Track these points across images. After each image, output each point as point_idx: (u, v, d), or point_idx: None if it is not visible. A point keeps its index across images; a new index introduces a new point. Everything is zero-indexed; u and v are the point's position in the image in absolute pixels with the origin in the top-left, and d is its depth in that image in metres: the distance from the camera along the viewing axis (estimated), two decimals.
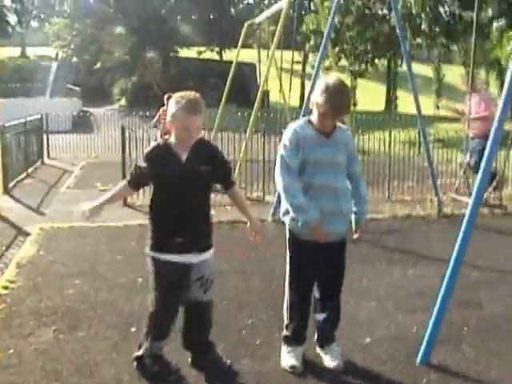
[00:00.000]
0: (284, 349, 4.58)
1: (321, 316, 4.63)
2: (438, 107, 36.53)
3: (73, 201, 10.69)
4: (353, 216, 4.49)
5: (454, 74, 45.58)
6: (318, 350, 4.66)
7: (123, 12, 44.05)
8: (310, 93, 4.37)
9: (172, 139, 4.12)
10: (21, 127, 13.50)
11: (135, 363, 4.31)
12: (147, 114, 19.07)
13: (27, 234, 8.40)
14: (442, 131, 15.42)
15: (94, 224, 8.33)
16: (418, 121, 10.24)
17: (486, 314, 5.65)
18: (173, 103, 4.00)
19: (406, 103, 37.14)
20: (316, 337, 4.69)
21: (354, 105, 37.48)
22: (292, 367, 4.41)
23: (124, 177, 8.63)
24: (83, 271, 6.70)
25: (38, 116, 15.98)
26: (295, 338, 4.55)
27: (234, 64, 15.77)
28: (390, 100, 42.35)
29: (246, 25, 16.26)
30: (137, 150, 10.34)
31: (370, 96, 44.30)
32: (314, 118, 4.33)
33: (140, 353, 4.29)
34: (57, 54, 50.90)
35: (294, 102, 27.64)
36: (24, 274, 6.59)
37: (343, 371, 4.44)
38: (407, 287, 6.36)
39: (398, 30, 10.01)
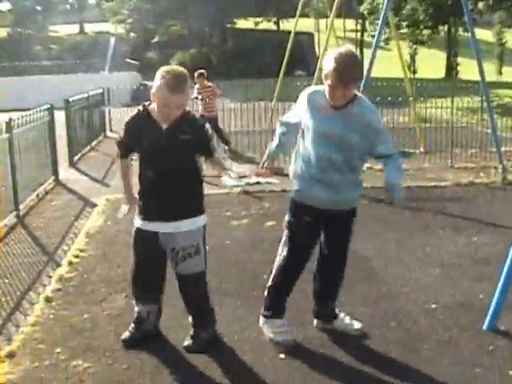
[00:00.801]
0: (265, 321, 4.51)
1: (318, 285, 4.59)
2: (500, 73, 35.58)
3: (135, 172, 10.93)
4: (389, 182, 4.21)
5: None
6: (325, 325, 4.62)
7: None
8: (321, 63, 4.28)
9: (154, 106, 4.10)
10: (84, 102, 13.78)
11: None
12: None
13: (94, 205, 8.64)
14: (506, 97, 15.07)
15: None
16: (480, 87, 10.04)
17: None
18: (158, 77, 3.93)
19: (467, 69, 36.37)
20: (317, 315, 4.66)
21: (414, 72, 36.85)
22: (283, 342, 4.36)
23: None
24: None
25: (100, 90, 16.25)
26: (282, 309, 4.50)
27: (292, 34, 15.65)
28: (451, 67, 41.44)
29: None
30: None
31: (429, 63, 43.44)
32: (326, 89, 4.09)
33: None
34: (115, 29, 51.42)
35: None
36: (93, 244, 6.80)
37: (409, 336, 4.47)
38: (472, 254, 6.31)
39: None
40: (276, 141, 4.56)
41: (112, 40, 47.96)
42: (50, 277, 5.84)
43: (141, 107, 4.17)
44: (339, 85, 3.95)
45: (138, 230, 4.26)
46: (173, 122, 4.04)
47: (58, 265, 6.18)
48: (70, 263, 6.14)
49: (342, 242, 4.44)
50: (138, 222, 4.26)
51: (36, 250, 6.77)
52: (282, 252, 4.43)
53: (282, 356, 4.21)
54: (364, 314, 4.85)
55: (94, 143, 14.75)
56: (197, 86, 12.77)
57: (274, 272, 4.48)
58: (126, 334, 4.43)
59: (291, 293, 4.51)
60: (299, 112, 4.28)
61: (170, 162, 4.07)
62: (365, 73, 9.25)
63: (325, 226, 4.36)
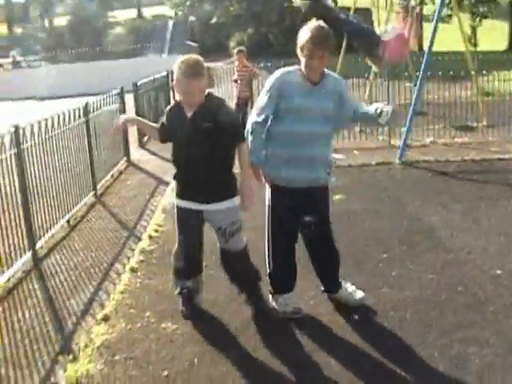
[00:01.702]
0: (272, 298, 4.73)
1: (316, 264, 4.76)
2: None
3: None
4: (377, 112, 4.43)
5: None
6: (333, 295, 4.80)
7: None
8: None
9: None
10: (150, 85, 14.19)
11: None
12: (263, 64, 19.24)
13: (167, 183, 9.03)
14: None
15: None
16: None
17: None
18: (175, 68, 4.18)
19: None
20: (323, 288, 4.84)
21: (475, 45, 36.15)
22: (285, 313, 4.59)
23: None
24: None
25: (164, 73, 16.64)
26: (282, 287, 4.69)
27: (352, 11, 15.71)
28: None
29: None
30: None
31: (491, 35, 42.48)
32: (302, 65, 4.35)
33: (176, 291, 4.79)
34: (175, 13, 51.95)
35: (411, 45, 27.11)
36: (170, 219, 7.11)
37: (476, 300, 4.70)
38: None
39: None
40: (260, 148, 4.44)
41: (170, 23, 48.57)
42: (133, 250, 6.27)
43: (176, 101, 4.48)
44: (316, 53, 4.22)
45: (182, 209, 4.54)
46: (196, 110, 4.27)
47: (139, 239, 6.60)
48: (150, 237, 6.55)
49: (323, 219, 4.60)
50: (180, 202, 4.54)
51: (116, 225, 7.21)
52: (267, 237, 4.63)
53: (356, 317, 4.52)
54: (431, 280, 5.10)
55: None
56: (236, 63, 12.72)
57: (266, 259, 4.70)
58: (182, 309, 4.73)
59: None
60: (273, 98, 4.34)
61: (198, 150, 4.26)
62: (426, 48, 9.35)
63: (302, 206, 4.50)
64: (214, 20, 44.97)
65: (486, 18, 39.99)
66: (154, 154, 11.71)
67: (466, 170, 8.90)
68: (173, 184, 8.54)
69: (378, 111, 4.44)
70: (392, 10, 14.54)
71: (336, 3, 54.24)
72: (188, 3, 48.34)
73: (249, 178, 4.40)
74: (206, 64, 4.25)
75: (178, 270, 4.71)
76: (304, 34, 4.28)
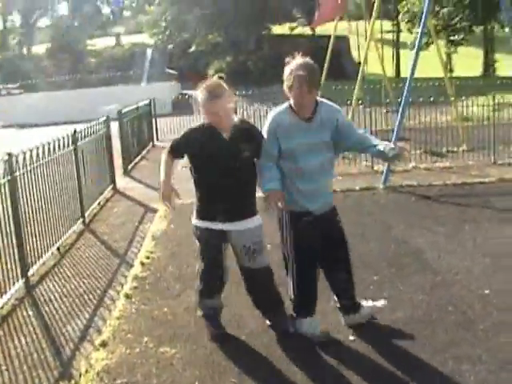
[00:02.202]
0: (295, 322, 4.75)
1: (335, 290, 4.84)
2: None
3: (190, 178, 11.42)
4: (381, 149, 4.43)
5: None
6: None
7: None
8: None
9: None
10: (134, 112, 14.32)
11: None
12: (243, 92, 19.46)
13: (154, 211, 9.11)
14: None
15: None
16: None
17: None
18: (198, 93, 4.39)
19: (504, 66, 36.26)
20: (339, 308, 4.89)
21: (451, 71, 36.82)
22: (313, 336, 4.63)
23: None
24: None
25: (147, 101, 16.81)
26: (307, 310, 4.72)
27: (332, 38, 16.00)
28: (488, 64, 41.33)
29: None
30: None
31: (466, 61, 43.28)
32: (292, 102, 4.46)
33: (199, 312, 4.88)
34: (154, 42, 52.24)
35: (388, 72, 27.55)
36: (161, 246, 7.27)
37: (465, 318, 4.83)
38: None
39: None
40: (275, 177, 4.52)
41: (149, 51, 48.81)
42: (126, 276, 6.33)
43: (206, 121, 4.56)
44: (304, 89, 4.30)
45: (206, 230, 4.59)
46: (232, 130, 4.46)
47: (131, 265, 6.66)
48: (142, 264, 6.62)
49: (340, 239, 4.74)
50: (203, 224, 4.61)
51: (107, 252, 7.27)
52: (290, 261, 4.67)
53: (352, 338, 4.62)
54: (422, 300, 5.23)
55: (143, 152, 15.31)
56: None
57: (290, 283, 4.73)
58: (214, 332, 4.76)
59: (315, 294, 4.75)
60: (273, 141, 4.47)
61: (233, 170, 4.44)
62: (407, 74, 9.60)
63: (320, 228, 4.60)
64: (192, 48, 45.33)
65: (460, 45, 40.81)
66: (139, 181, 11.82)
67: (448, 194, 9.10)
68: (162, 212, 8.81)
69: (387, 148, 4.42)
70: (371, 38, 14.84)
71: (314, 32, 55.20)
72: (167, 32, 48.68)
73: None
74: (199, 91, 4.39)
75: (204, 291, 4.76)
76: (290, 72, 4.34)
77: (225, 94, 4.38)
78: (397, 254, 6.46)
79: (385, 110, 13.87)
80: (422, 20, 9.72)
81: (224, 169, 4.45)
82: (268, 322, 4.85)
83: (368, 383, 4.03)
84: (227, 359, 4.43)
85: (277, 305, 4.80)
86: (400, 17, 39.07)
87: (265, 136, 4.52)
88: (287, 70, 4.38)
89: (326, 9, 11.34)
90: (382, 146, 4.45)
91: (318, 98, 4.54)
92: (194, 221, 4.69)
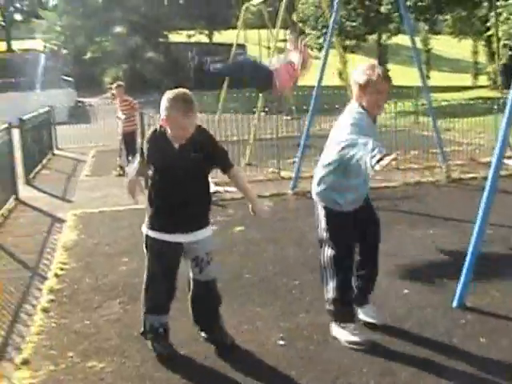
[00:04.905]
0: (342, 328, 4.68)
1: (361, 273, 4.95)
2: (428, 77, 36.90)
3: (94, 187, 11.21)
4: None
5: (441, 44, 46.04)
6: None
7: (110, 1, 44.04)
8: None
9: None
10: (34, 120, 13.87)
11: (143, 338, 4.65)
12: (142, 100, 19.21)
13: (62, 221, 8.84)
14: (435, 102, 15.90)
15: (122, 208, 8.89)
16: (423, 91, 10.78)
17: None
18: (167, 102, 4.14)
19: (396, 76, 37.56)
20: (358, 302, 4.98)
21: (345, 79, 37.79)
22: (356, 343, 4.58)
23: None
24: (128, 250, 7.12)
25: (47, 109, 16.33)
26: (352, 314, 4.76)
27: (234, 46, 16.11)
28: None
29: (243, 7, 16.58)
30: None
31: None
32: (366, 104, 4.59)
33: (142, 329, 4.63)
34: (44, 47, 50.74)
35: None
36: (74, 256, 7.06)
37: (392, 318, 4.96)
38: (431, 245, 6.90)
39: (401, 8, 10.27)
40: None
41: (42, 57, 47.40)
42: (40, 289, 6.08)
43: (158, 126, 4.38)
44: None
45: (160, 242, 4.39)
46: (185, 141, 4.27)
47: (45, 278, 6.41)
48: (57, 275, 6.39)
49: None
50: (157, 235, 4.41)
51: (17, 266, 6.97)
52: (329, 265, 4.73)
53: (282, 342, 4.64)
54: None
55: (44, 161, 14.86)
56: (117, 99, 12.97)
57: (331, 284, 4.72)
58: (161, 350, 4.50)
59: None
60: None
61: (186, 180, 4.29)
62: (315, 82, 9.78)
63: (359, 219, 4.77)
64: (88, 55, 44.47)
65: (353, 52, 41.98)
66: (42, 191, 11.44)
67: None
68: (70, 222, 8.57)
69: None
70: (264, 46, 15.06)
71: (210, 39, 55.43)
72: (62, 38, 47.50)
73: (255, 195, 4.65)
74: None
75: (154, 306, 4.52)
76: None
77: (196, 106, 4.21)
78: (315, 258, 6.41)
79: (289, 117, 14.10)
80: (330, 27, 9.91)
81: (178, 179, 4.30)
82: (203, 335, 4.72)
83: None
84: (157, 371, 4.34)
85: (216, 312, 4.66)
86: (294, 17, 39.73)
87: (355, 135, 4.31)
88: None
89: (284, 77, 11.32)
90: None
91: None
92: (149, 232, 4.46)
